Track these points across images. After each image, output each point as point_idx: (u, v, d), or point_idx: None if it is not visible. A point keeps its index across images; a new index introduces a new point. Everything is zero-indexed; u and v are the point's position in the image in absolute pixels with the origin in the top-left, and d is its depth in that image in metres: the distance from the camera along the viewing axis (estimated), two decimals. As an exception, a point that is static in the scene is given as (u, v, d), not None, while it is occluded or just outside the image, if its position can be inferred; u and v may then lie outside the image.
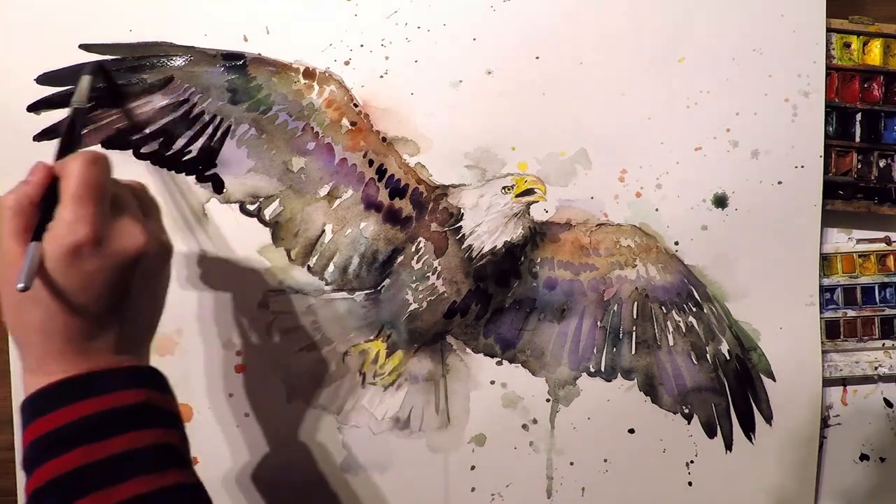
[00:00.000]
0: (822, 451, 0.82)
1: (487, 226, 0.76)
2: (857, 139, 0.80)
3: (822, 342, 0.81)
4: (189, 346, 0.75)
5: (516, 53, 0.76)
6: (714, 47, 0.78)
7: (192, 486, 0.52)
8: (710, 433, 0.80)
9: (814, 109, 0.78)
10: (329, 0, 0.74)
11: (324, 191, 0.75)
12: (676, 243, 0.79)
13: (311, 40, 0.74)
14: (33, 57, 0.71)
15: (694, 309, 0.79)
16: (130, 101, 0.72)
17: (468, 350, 0.78)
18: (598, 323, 0.79)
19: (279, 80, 0.73)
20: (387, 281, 0.77)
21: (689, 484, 0.81)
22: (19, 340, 0.51)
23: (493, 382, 0.78)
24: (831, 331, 0.82)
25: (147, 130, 0.72)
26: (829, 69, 0.79)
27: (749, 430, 0.81)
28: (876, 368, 0.82)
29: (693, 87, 0.78)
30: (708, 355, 0.80)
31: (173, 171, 0.73)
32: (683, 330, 0.80)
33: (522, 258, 0.78)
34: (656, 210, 0.78)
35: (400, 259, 0.76)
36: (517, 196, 0.76)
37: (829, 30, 0.78)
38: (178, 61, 0.72)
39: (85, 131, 0.72)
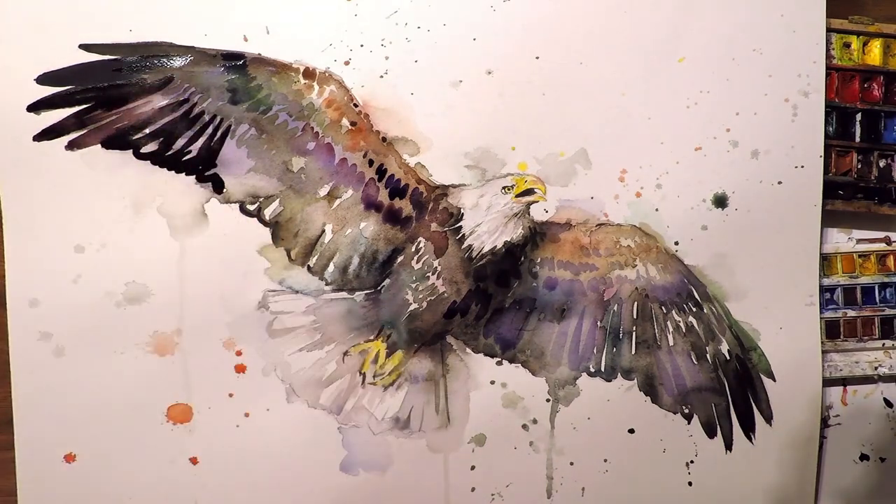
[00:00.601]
0: (822, 451, 0.82)
1: (487, 226, 0.76)
2: (857, 139, 0.80)
3: (822, 342, 0.81)
4: (189, 346, 0.75)
5: (516, 53, 0.76)
6: (714, 47, 0.78)
7: None
8: (710, 433, 0.80)
9: (814, 109, 0.78)
10: (329, 0, 0.74)
11: (324, 191, 0.75)
12: (676, 243, 0.79)
13: (311, 40, 0.74)
14: (33, 57, 0.71)
15: (694, 309, 0.79)
16: (130, 101, 0.72)
17: (468, 350, 0.78)
18: (598, 323, 0.79)
19: (279, 80, 0.73)
20: (387, 281, 0.77)
21: (689, 484, 0.81)
22: None
23: (493, 382, 0.78)
24: (831, 331, 0.82)
25: (147, 130, 0.72)
26: (829, 69, 0.79)
27: (749, 430, 0.81)
28: (876, 368, 0.82)
29: (693, 87, 0.78)
30: (708, 355, 0.80)
31: (173, 171, 0.73)
32: (683, 330, 0.80)
33: (522, 258, 0.78)
34: (656, 210, 0.78)
35: (400, 259, 0.76)
36: (517, 196, 0.76)
37: (829, 30, 0.78)
38: (178, 61, 0.72)
39: (85, 131, 0.72)
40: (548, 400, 0.79)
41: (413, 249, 0.76)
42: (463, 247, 0.76)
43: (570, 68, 0.76)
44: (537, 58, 0.76)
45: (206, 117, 0.73)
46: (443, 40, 0.75)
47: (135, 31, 0.72)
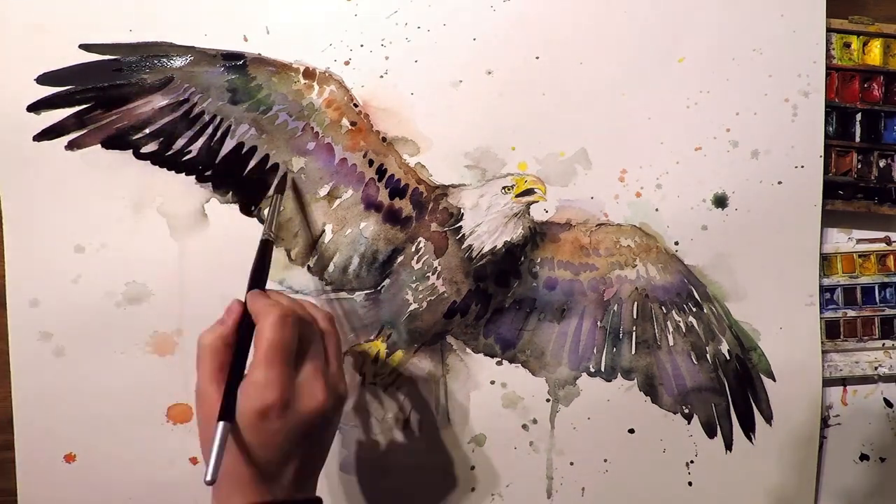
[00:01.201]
0: (822, 451, 0.82)
1: (487, 226, 0.76)
2: (857, 139, 0.80)
3: (822, 342, 0.81)
4: (189, 346, 0.75)
5: (516, 53, 0.76)
6: (714, 47, 0.78)
7: None
8: (710, 433, 0.80)
9: (814, 109, 0.78)
10: (329, 0, 0.74)
11: (324, 191, 0.75)
12: (676, 243, 0.79)
13: (311, 40, 0.74)
14: (33, 57, 0.71)
15: (694, 309, 0.79)
16: (130, 101, 0.72)
17: (468, 350, 0.78)
18: (598, 323, 0.79)
19: (279, 80, 0.73)
20: (387, 281, 0.77)
21: (689, 484, 0.81)
22: None
23: (493, 382, 0.78)
24: (831, 331, 0.82)
25: (147, 130, 0.72)
26: (829, 69, 0.79)
27: (749, 430, 0.81)
28: (876, 368, 0.82)
29: (693, 87, 0.78)
30: (708, 355, 0.80)
31: (173, 171, 0.73)
32: (683, 330, 0.80)
33: (522, 258, 0.78)
34: (656, 210, 0.78)
35: (400, 259, 0.77)
36: (517, 196, 0.76)
37: (829, 30, 0.78)
38: (178, 61, 0.72)
39: (85, 131, 0.72)
40: (548, 400, 0.79)
41: (413, 249, 0.76)
42: (463, 247, 0.76)
43: (570, 68, 0.76)
44: (537, 58, 0.76)
45: (206, 117, 0.73)
46: (443, 40, 0.75)
47: (135, 31, 0.72)
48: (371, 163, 0.75)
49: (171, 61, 0.72)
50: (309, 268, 0.76)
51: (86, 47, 0.71)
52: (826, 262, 0.82)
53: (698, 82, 0.78)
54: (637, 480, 0.80)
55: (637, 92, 0.77)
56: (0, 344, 0.74)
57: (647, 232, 0.79)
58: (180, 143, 0.73)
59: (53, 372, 0.74)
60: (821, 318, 0.81)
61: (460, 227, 0.76)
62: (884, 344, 0.83)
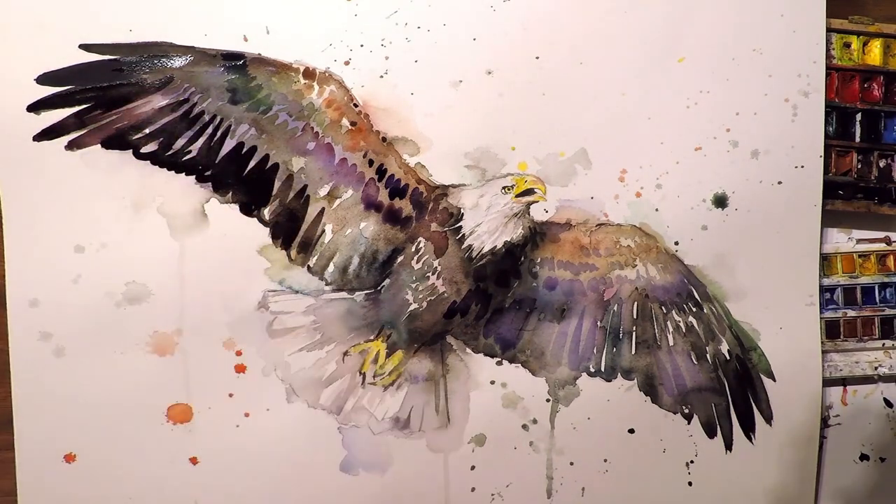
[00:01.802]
0: (822, 451, 0.82)
1: (487, 226, 0.76)
2: (857, 139, 0.80)
3: (822, 342, 0.81)
4: (189, 346, 0.75)
5: (516, 53, 0.76)
6: (714, 47, 0.78)
7: None
8: (710, 433, 0.80)
9: (814, 109, 0.78)
10: (329, 0, 0.74)
11: (324, 191, 0.75)
12: (676, 243, 0.79)
13: (311, 40, 0.74)
14: (33, 57, 0.71)
15: (694, 309, 0.79)
16: (130, 101, 0.72)
17: (468, 350, 0.78)
18: (598, 323, 0.79)
19: (279, 80, 0.73)
20: (387, 281, 0.77)
21: (689, 484, 0.81)
22: None
23: (493, 382, 0.78)
24: (831, 331, 0.82)
25: (147, 130, 0.72)
26: (829, 69, 0.79)
27: (749, 430, 0.81)
28: (876, 368, 0.82)
29: (693, 87, 0.78)
30: (708, 355, 0.80)
31: (173, 171, 0.73)
32: (683, 330, 0.80)
33: (522, 258, 0.78)
34: (656, 210, 0.78)
35: (400, 259, 0.76)
36: (517, 196, 0.76)
37: (829, 30, 0.78)
38: (178, 61, 0.72)
39: (85, 131, 0.72)
40: (548, 400, 0.79)
41: (413, 249, 0.76)
42: (463, 247, 0.76)
43: (570, 68, 0.76)
44: (537, 58, 0.76)
45: (206, 117, 0.73)
46: (443, 40, 0.75)
47: (135, 31, 0.72)
48: (371, 163, 0.75)
49: (171, 61, 0.72)
50: (309, 268, 0.76)
51: (86, 47, 0.71)
52: (826, 262, 0.82)
53: (698, 82, 0.78)
54: (637, 480, 0.80)
55: (637, 92, 0.77)
56: (0, 344, 0.74)
57: (647, 232, 0.78)
58: (180, 143, 0.73)
59: (53, 372, 0.74)
60: (821, 318, 0.81)
61: (460, 227, 0.76)
62: (884, 344, 0.83)
